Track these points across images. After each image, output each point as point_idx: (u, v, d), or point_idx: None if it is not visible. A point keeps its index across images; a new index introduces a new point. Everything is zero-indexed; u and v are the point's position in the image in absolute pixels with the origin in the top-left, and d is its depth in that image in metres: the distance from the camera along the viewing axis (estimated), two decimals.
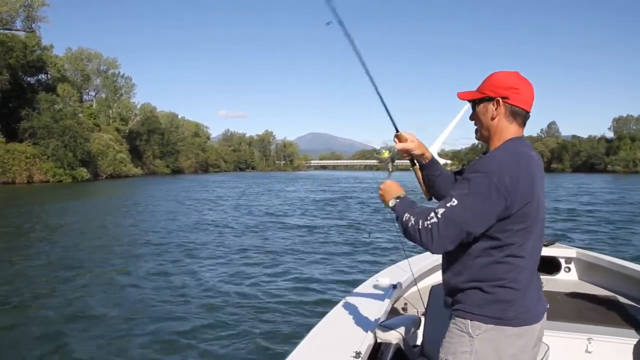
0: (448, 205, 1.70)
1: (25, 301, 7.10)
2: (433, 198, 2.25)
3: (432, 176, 2.21)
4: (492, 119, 1.88)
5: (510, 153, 1.78)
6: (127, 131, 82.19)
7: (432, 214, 1.71)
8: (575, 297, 3.79)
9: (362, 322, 2.63)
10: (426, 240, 1.71)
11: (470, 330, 1.77)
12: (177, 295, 7.26)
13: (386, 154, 2.20)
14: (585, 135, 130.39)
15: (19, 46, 51.75)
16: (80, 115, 60.83)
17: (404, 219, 1.81)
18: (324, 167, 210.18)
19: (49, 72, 61.79)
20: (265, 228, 15.24)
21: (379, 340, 2.51)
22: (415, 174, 2.27)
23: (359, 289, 3.37)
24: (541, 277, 3.86)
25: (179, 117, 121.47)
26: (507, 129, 1.87)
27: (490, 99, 1.87)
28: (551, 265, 4.56)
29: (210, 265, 9.57)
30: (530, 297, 1.81)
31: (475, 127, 1.99)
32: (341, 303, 3.06)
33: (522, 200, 1.71)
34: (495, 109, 1.86)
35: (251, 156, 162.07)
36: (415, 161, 2.24)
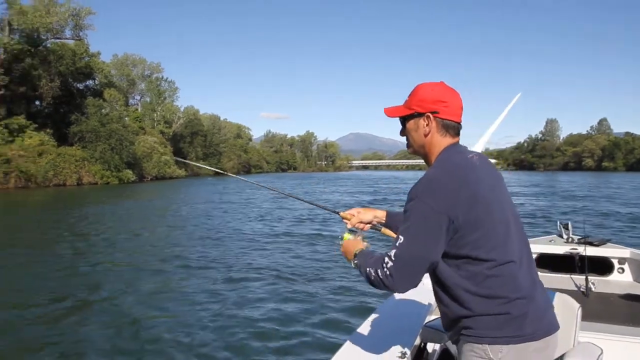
0: (397, 244, 1.69)
1: (85, 297, 7.45)
2: None
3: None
4: (425, 135, 1.85)
5: (442, 166, 1.77)
6: (171, 134, 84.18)
7: (386, 259, 1.70)
8: (629, 299, 3.64)
9: (408, 322, 2.60)
10: (390, 284, 1.70)
11: (491, 355, 1.68)
12: (223, 295, 7.31)
13: (347, 236, 2.17)
14: (639, 132, 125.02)
15: (69, 54, 53.89)
16: (126, 119, 62.68)
17: (366, 273, 1.79)
18: (365, 168, 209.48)
19: (97, 78, 64.06)
20: (303, 228, 15.19)
21: (424, 341, 2.48)
22: (388, 234, 2.26)
23: None
24: (592, 278, 3.74)
25: (221, 119, 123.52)
26: (440, 143, 1.84)
27: (419, 115, 1.84)
28: (603, 266, 4.39)
29: (255, 262, 9.77)
30: (539, 302, 1.74)
31: (407, 142, 1.95)
32: (386, 303, 3.05)
33: (466, 208, 1.66)
34: (427, 124, 1.83)
35: (293, 157, 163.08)
36: (378, 225, 2.29)
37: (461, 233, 1.66)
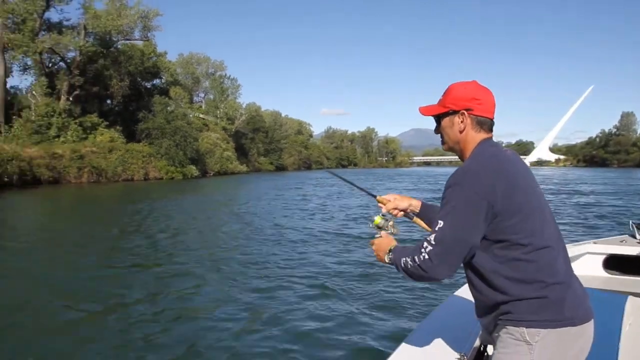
0: (437, 229, 1.72)
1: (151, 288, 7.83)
2: None
3: (432, 219, 2.14)
4: (460, 132, 1.92)
5: (478, 157, 1.83)
6: (233, 130, 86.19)
7: (425, 244, 1.73)
8: None
9: (467, 323, 2.52)
10: (429, 269, 1.71)
11: (527, 338, 1.70)
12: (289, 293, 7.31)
13: (379, 220, 2.20)
14: None
15: (137, 54, 56.48)
16: (190, 116, 64.81)
17: (402, 265, 1.81)
18: (427, 164, 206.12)
19: (163, 77, 66.65)
20: (360, 225, 15.01)
21: (484, 343, 2.41)
22: (419, 224, 2.30)
23: (465, 287, 3.20)
24: None
25: (283, 115, 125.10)
26: (474, 139, 1.91)
27: (454, 112, 1.91)
28: None
29: (314, 259, 9.78)
30: (577, 289, 1.77)
31: (442, 139, 2.03)
32: (445, 302, 3.02)
33: (504, 194, 1.70)
34: (462, 121, 1.90)
35: (353, 153, 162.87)
36: (411, 214, 2.32)
37: (500, 218, 1.70)
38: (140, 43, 57.20)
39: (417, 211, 2.32)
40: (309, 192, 31.44)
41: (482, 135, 1.90)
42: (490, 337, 1.91)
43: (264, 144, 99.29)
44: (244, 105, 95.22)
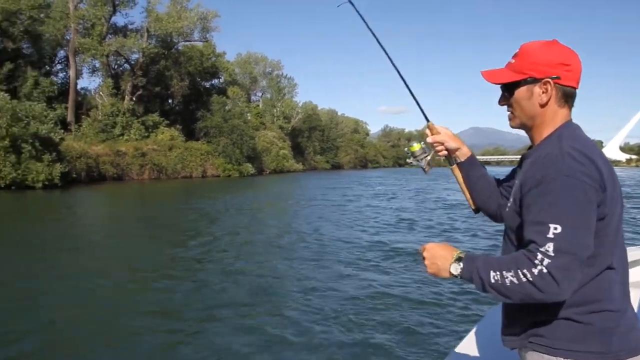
0: (550, 235, 1.32)
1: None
2: (481, 211, 1.95)
3: (473, 177, 1.91)
4: (542, 105, 1.53)
5: (578, 142, 1.46)
6: (289, 129, 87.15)
7: (540, 255, 1.33)
8: None
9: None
10: (549, 288, 1.31)
11: None
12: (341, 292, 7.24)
13: (418, 147, 1.95)
14: None
15: (197, 55, 58.20)
16: (247, 115, 66.08)
17: (492, 281, 1.39)
18: (486, 163, 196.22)
19: (222, 77, 68.31)
20: (410, 227, 14.48)
21: None
22: (455, 176, 1.96)
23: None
24: None
25: (339, 114, 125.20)
26: (557, 115, 1.54)
27: (535, 81, 1.52)
28: None
29: (370, 258, 9.71)
30: (629, 316, 1.48)
31: (509, 112, 1.63)
32: (488, 315, 2.73)
33: (609, 194, 1.40)
34: (544, 92, 1.52)
35: None
36: (453, 160, 1.95)
37: (602, 223, 1.41)
38: (199, 44, 58.91)
39: (462, 160, 1.94)
40: (361, 192, 31.35)
41: (566, 111, 1.54)
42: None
43: (320, 143, 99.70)
44: (300, 104, 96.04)
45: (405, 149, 1.99)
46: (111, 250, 11.19)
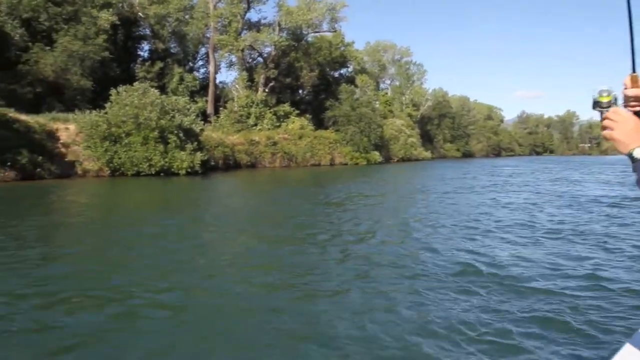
0: None
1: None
2: None
3: None
4: None
5: None
6: (418, 116, 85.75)
7: None
8: None
9: None
10: None
11: None
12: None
13: (607, 98, 1.61)
14: None
15: (326, 45, 59.47)
16: (375, 103, 66.18)
17: None
18: None
19: (350, 66, 69.05)
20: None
21: None
22: None
23: None
24: None
25: (471, 100, 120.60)
26: None
27: None
28: None
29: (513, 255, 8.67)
30: None
31: None
32: None
33: None
34: None
35: (549, 139, 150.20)
36: None
37: None
38: (328, 34, 60.03)
39: None
40: (488, 183, 29.99)
41: None
42: None
43: (450, 130, 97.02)
44: (429, 91, 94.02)
45: (593, 94, 1.63)
46: (249, 224, 12.65)
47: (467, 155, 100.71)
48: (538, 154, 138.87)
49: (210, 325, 5.33)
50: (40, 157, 26.87)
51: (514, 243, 9.49)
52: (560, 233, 10.43)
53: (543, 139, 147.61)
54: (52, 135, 29.59)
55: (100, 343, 4.82)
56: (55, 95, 36.34)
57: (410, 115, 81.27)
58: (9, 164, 25.21)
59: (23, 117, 28.83)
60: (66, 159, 29.26)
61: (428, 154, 78.42)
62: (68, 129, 30.64)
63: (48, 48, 36.41)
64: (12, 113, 28.25)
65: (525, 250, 8.80)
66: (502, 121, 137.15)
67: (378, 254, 8.61)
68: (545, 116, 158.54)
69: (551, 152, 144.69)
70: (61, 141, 29.91)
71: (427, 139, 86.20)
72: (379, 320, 5.33)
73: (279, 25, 53.85)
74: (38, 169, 26.56)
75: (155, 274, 7.24)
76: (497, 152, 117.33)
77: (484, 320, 5.26)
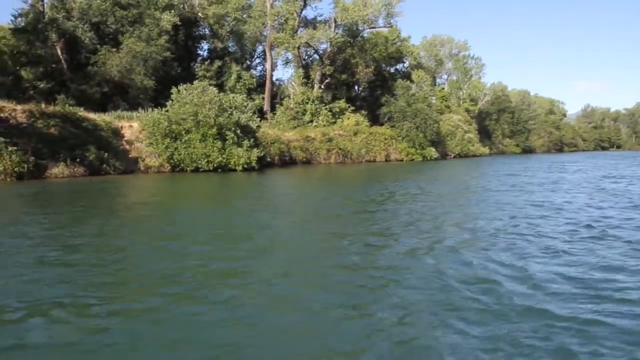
0: None
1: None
2: None
3: None
4: None
5: None
6: (476, 111, 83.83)
7: None
8: None
9: None
10: None
11: None
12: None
13: None
14: None
15: (382, 41, 59.13)
16: (432, 98, 65.22)
17: None
18: None
19: (407, 61, 68.34)
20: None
21: None
22: None
23: None
24: None
25: (532, 94, 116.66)
26: None
27: None
28: None
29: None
30: None
31: None
32: None
33: None
34: None
35: (617, 133, 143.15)
36: None
37: None
38: (384, 30, 59.60)
39: None
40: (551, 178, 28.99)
41: None
42: None
43: (509, 125, 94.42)
44: (488, 85, 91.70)
45: None
46: (306, 215, 13.88)
47: (527, 151, 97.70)
48: (604, 149, 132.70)
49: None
50: (106, 154, 28.29)
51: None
52: None
53: (609, 134, 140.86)
54: (117, 133, 31.12)
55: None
56: (120, 95, 38.12)
57: (467, 111, 79.52)
58: (78, 160, 26.68)
59: (91, 115, 30.50)
60: (130, 156, 30.66)
61: (486, 150, 76.52)
62: (132, 126, 32.11)
63: (114, 50, 38.17)
64: (81, 112, 29.91)
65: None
66: (564, 115, 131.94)
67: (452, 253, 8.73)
68: (612, 109, 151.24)
69: (618, 147, 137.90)
70: (125, 138, 31.39)
71: (485, 134, 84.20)
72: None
73: (335, 21, 53.94)
74: (104, 165, 27.98)
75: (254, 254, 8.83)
76: (559, 147, 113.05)
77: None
